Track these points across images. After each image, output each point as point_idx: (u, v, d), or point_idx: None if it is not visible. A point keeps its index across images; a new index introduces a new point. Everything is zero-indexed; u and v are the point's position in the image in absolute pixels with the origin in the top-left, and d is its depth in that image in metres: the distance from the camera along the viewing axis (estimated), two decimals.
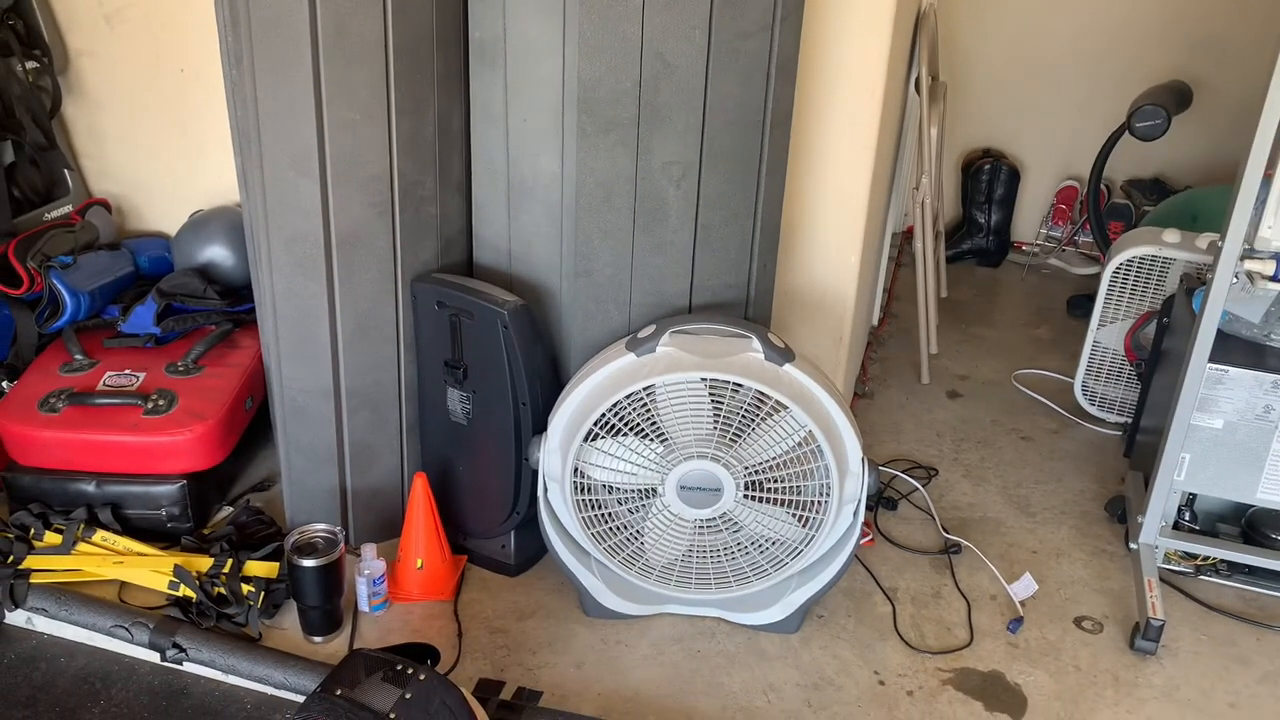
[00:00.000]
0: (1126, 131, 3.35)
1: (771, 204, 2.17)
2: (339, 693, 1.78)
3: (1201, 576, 2.42)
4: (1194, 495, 2.45)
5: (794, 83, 2.10)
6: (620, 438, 2.01)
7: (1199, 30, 3.88)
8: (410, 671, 1.81)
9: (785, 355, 2.01)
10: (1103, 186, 4.05)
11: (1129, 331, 2.92)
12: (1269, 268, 2.06)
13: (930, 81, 3.18)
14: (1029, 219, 4.36)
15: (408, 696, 1.77)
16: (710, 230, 2.11)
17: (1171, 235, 2.79)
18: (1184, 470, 2.34)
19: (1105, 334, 2.99)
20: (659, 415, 2.00)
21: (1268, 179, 2.02)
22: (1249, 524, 2.42)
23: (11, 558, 2.23)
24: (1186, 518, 2.45)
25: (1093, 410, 3.09)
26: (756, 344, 2.01)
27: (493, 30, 2.05)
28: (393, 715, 1.74)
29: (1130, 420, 2.91)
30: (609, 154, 2.00)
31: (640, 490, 2.06)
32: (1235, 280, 2.13)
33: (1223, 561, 2.42)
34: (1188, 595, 2.38)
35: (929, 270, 3.21)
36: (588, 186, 2.03)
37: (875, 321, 3.64)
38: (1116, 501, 2.64)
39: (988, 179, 4.19)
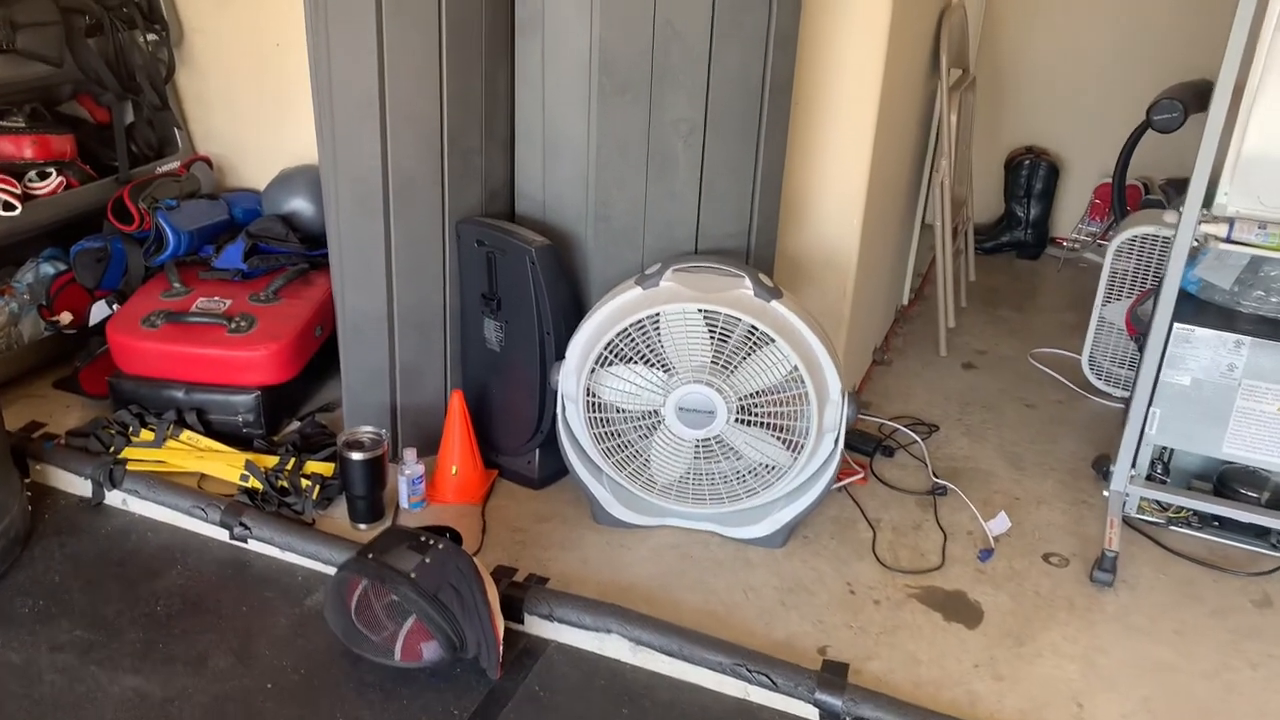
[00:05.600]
0: (1148, 126, 3.51)
1: (772, 162, 2.45)
2: (370, 556, 2.11)
3: (1173, 528, 2.60)
4: (1169, 452, 2.63)
5: (793, 54, 2.37)
6: (629, 364, 2.30)
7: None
8: (431, 542, 2.12)
9: (773, 293, 2.28)
10: (1140, 184, 4.20)
11: (1129, 307, 3.10)
12: (1221, 230, 2.25)
13: (957, 74, 3.40)
14: (1068, 214, 4.52)
15: (427, 561, 2.08)
16: (714, 183, 2.39)
17: (1171, 215, 2.95)
18: (1155, 424, 2.52)
19: (1110, 311, 3.17)
20: (661, 343, 2.28)
21: (1224, 150, 2.22)
22: (1220, 480, 2.59)
23: (112, 448, 2.62)
24: (1159, 471, 2.63)
25: (1099, 384, 3.26)
26: (748, 282, 2.28)
27: (534, 5, 2.37)
28: (413, 574, 2.05)
29: (1130, 392, 3.08)
30: (625, 111, 2.30)
31: (645, 412, 2.34)
32: (1195, 243, 2.33)
33: (1193, 514, 2.59)
34: (1156, 542, 2.56)
35: (948, 248, 3.42)
36: (606, 142, 2.33)
37: (905, 302, 3.86)
38: (1102, 460, 2.83)
39: (1027, 174, 4.37)
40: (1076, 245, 4.46)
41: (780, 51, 2.32)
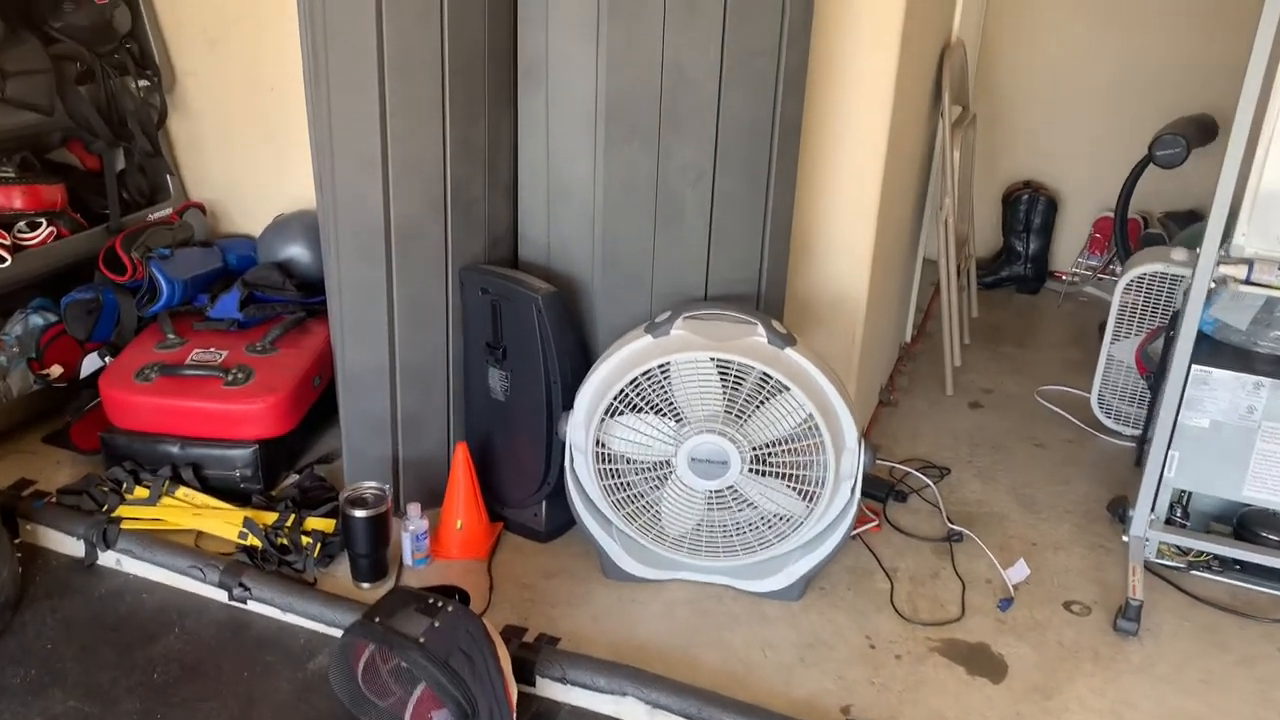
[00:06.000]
0: (1150, 161, 3.50)
1: (781, 207, 2.41)
2: (378, 620, 2.03)
3: (1193, 572, 2.55)
4: (1187, 495, 2.59)
5: (802, 98, 2.34)
6: (639, 414, 2.25)
7: (1235, 67, 3.99)
8: (440, 604, 2.05)
9: (787, 340, 2.23)
10: (1140, 217, 4.19)
11: (1139, 346, 3.07)
12: (1241, 271, 2.22)
13: (958, 112, 3.38)
14: (1067, 248, 4.50)
15: (436, 625, 2.00)
16: (723, 228, 2.35)
17: (1179, 253, 2.95)
18: (1174, 467, 2.48)
19: (1119, 349, 3.13)
20: (672, 392, 2.23)
21: (1241, 191, 2.19)
22: (1240, 523, 2.54)
23: (106, 506, 2.54)
24: (1179, 515, 2.58)
25: (1108, 423, 3.22)
26: (761, 329, 2.23)
27: (537, 50, 2.33)
28: (422, 639, 1.97)
29: (1142, 431, 3.05)
30: (633, 158, 2.26)
31: (656, 463, 2.28)
32: (1214, 285, 2.29)
33: (1214, 558, 2.54)
34: (1177, 587, 2.50)
35: (953, 285, 3.39)
36: (614, 188, 2.29)
37: (908, 339, 3.82)
38: (1118, 502, 2.78)
39: (1026, 209, 4.36)
40: (1076, 279, 4.44)
41: (789, 95, 2.29)
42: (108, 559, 2.49)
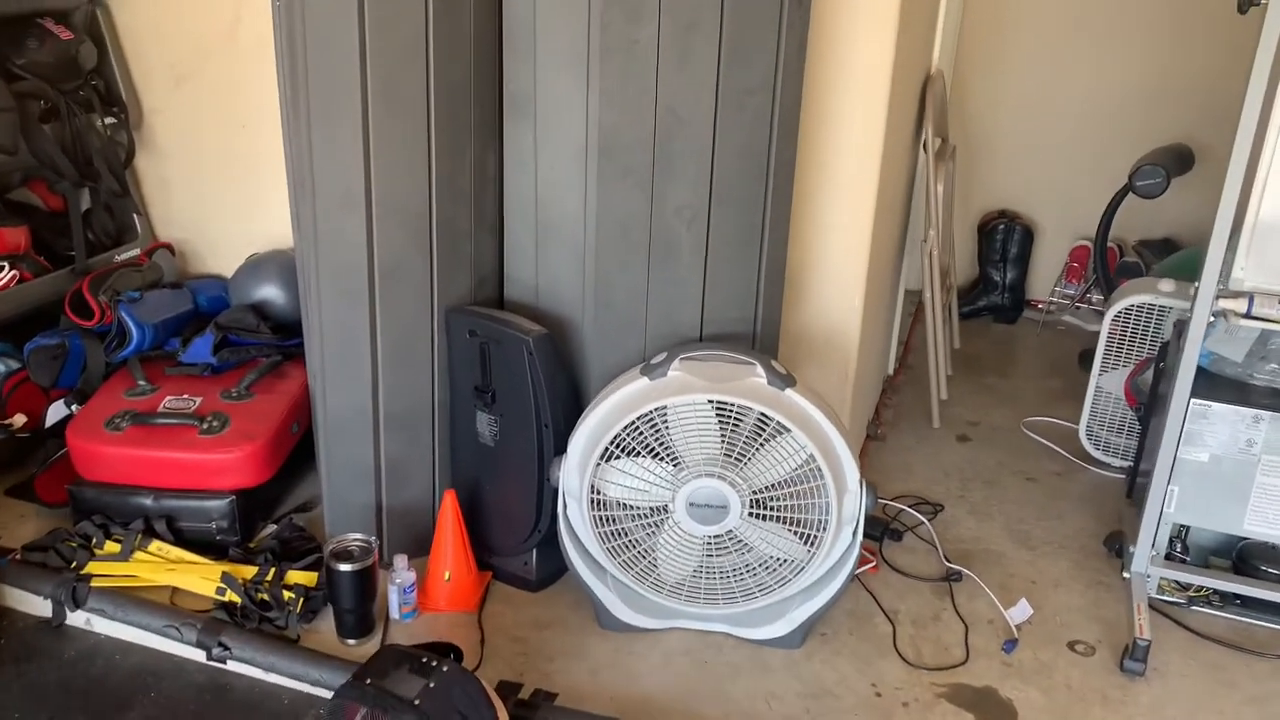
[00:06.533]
0: (1130, 191, 3.51)
1: (776, 245, 2.36)
2: (369, 681, 1.94)
3: (1194, 607, 2.52)
4: (1185, 529, 2.56)
5: (796, 135, 2.30)
6: (635, 458, 2.18)
7: (1204, 95, 4.03)
8: (434, 664, 1.96)
9: (787, 381, 2.18)
10: (1115, 246, 4.20)
11: (1128, 377, 3.05)
12: (1241, 305, 2.20)
13: (939, 143, 3.37)
14: (1044, 277, 4.50)
15: (431, 685, 1.91)
16: (718, 268, 2.29)
17: (1167, 284, 2.94)
18: (1174, 502, 2.45)
19: (1107, 380, 3.12)
20: (669, 436, 2.16)
21: (1239, 224, 2.18)
22: (1239, 557, 2.52)
23: (74, 563, 2.42)
24: (1178, 549, 2.55)
25: (1097, 454, 3.20)
26: (760, 370, 2.18)
27: (525, 85, 2.27)
28: (417, 702, 1.89)
29: (1132, 463, 3.02)
30: (626, 197, 2.20)
31: (653, 508, 2.22)
32: (1212, 319, 2.27)
33: (1214, 593, 2.51)
34: (1180, 624, 2.47)
35: (938, 319, 3.36)
36: (607, 226, 2.23)
37: (891, 371, 3.79)
38: (1114, 537, 2.75)
39: (1002, 238, 4.36)
40: (1054, 308, 4.44)
41: (784, 133, 2.25)
42: (77, 619, 2.37)
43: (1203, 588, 2.51)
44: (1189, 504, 2.45)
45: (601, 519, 2.23)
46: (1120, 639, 2.40)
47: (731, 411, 2.12)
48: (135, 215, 3.14)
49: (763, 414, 2.11)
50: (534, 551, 2.46)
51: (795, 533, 2.20)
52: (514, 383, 2.31)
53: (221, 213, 3.18)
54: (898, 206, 3.15)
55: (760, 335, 2.41)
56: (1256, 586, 2.43)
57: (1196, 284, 2.29)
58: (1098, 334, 3.07)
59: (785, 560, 2.22)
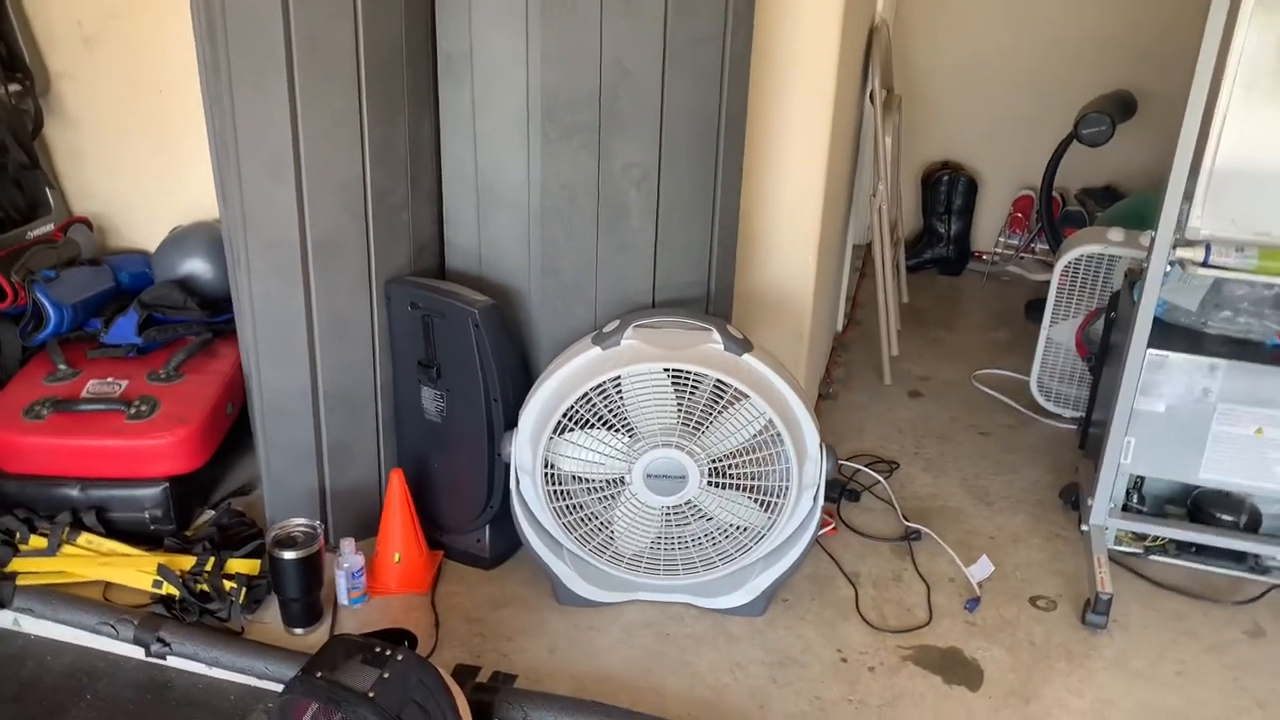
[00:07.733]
0: (1075, 139, 3.49)
1: (729, 203, 2.28)
2: (320, 674, 1.85)
3: (1151, 557, 2.52)
4: (1142, 479, 2.56)
5: (747, 85, 2.22)
6: (589, 430, 2.10)
7: (1145, 42, 4.03)
8: (388, 653, 1.88)
9: (744, 346, 2.11)
10: (1057, 195, 4.20)
11: (1079, 328, 3.04)
12: (1199, 254, 2.17)
13: (885, 94, 3.31)
14: (988, 228, 4.49)
15: (385, 676, 1.83)
16: (670, 229, 2.21)
17: (1116, 234, 2.92)
18: (1130, 453, 2.44)
19: (1057, 331, 3.10)
20: (625, 406, 2.09)
21: (1195, 172, 2.14)
22: (1194, 504, 2.52)
23: None
24: (1135, 500, 2.55)
25: (1049, 406, 3.20)
26: (716, 336, 2.11)
27: (460, 43, 2.15)
28: (372, 694, 1.80)
29: (1084, 414, 3.02)
30: (572, 158, 2.10)
31: (609, 480, 2.14)
32: (1169, 268, 2.25)
33: (1171, 542, 2.52)
34: (1138, 574, 2.47)
35: (888, 274, 3.32)
36: (552, 190, 2.13)
37: (840, 328, 3.75)
38: (1070, 489, 2.75)
39: (946, 190, 4.33)
40: (998, 259, 4.43)
41: (734, 84, 2.16)
42: (4, 619, 2.24)
43: (1159, 537, 2.51)
44: (1145, 455, 2.44)
45: (556, 493, 2.15)
46: (1080, 592, 2.40)
47: (688, 380, 2.05)
48: (48, 189, 2.96)
49: (720, 381, 2.04)
50: (486, 528, 2.38)
51: (755, 500, 2.15)
52: (460, 356, 2.22)
53: (141, 184, 3.01)
54: (844, 158, 3.09)
55: (714, 298, 2.34)
56: (1214, 534, 2.43)
57: (1152, 233, 2.26)
58: (1043, 284, 3.06)
59: (745, 528, 2.17)
